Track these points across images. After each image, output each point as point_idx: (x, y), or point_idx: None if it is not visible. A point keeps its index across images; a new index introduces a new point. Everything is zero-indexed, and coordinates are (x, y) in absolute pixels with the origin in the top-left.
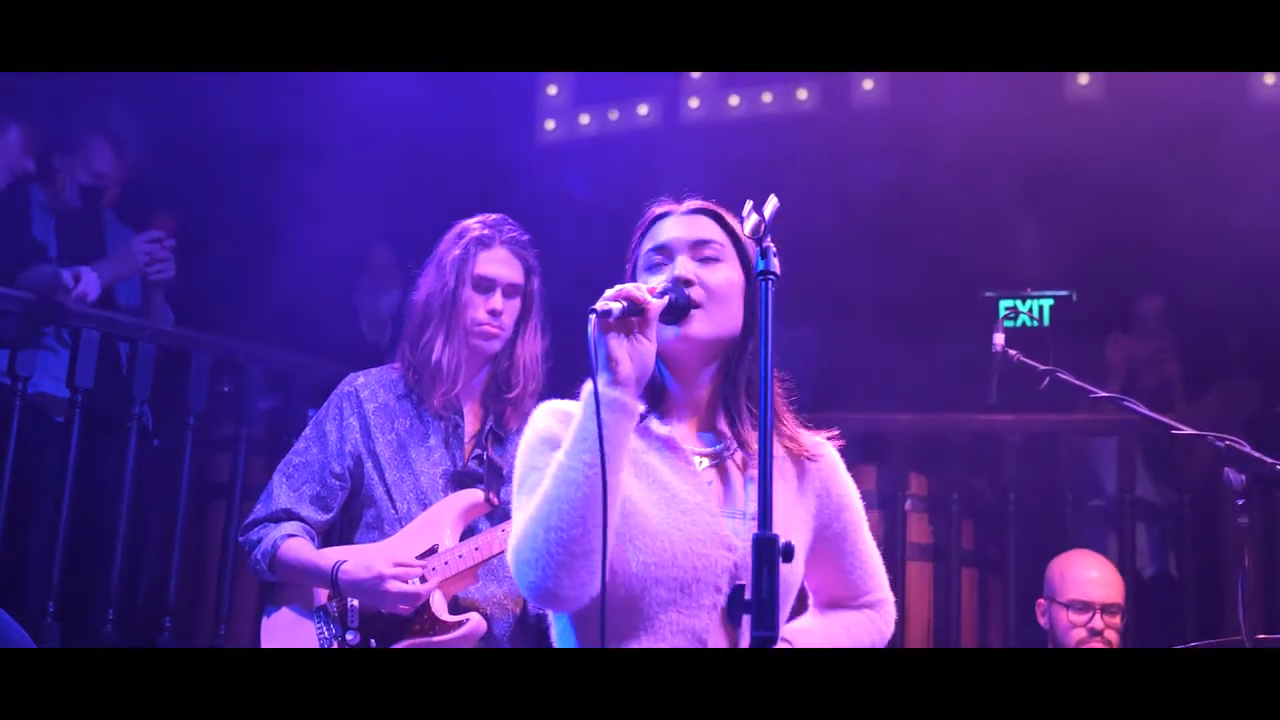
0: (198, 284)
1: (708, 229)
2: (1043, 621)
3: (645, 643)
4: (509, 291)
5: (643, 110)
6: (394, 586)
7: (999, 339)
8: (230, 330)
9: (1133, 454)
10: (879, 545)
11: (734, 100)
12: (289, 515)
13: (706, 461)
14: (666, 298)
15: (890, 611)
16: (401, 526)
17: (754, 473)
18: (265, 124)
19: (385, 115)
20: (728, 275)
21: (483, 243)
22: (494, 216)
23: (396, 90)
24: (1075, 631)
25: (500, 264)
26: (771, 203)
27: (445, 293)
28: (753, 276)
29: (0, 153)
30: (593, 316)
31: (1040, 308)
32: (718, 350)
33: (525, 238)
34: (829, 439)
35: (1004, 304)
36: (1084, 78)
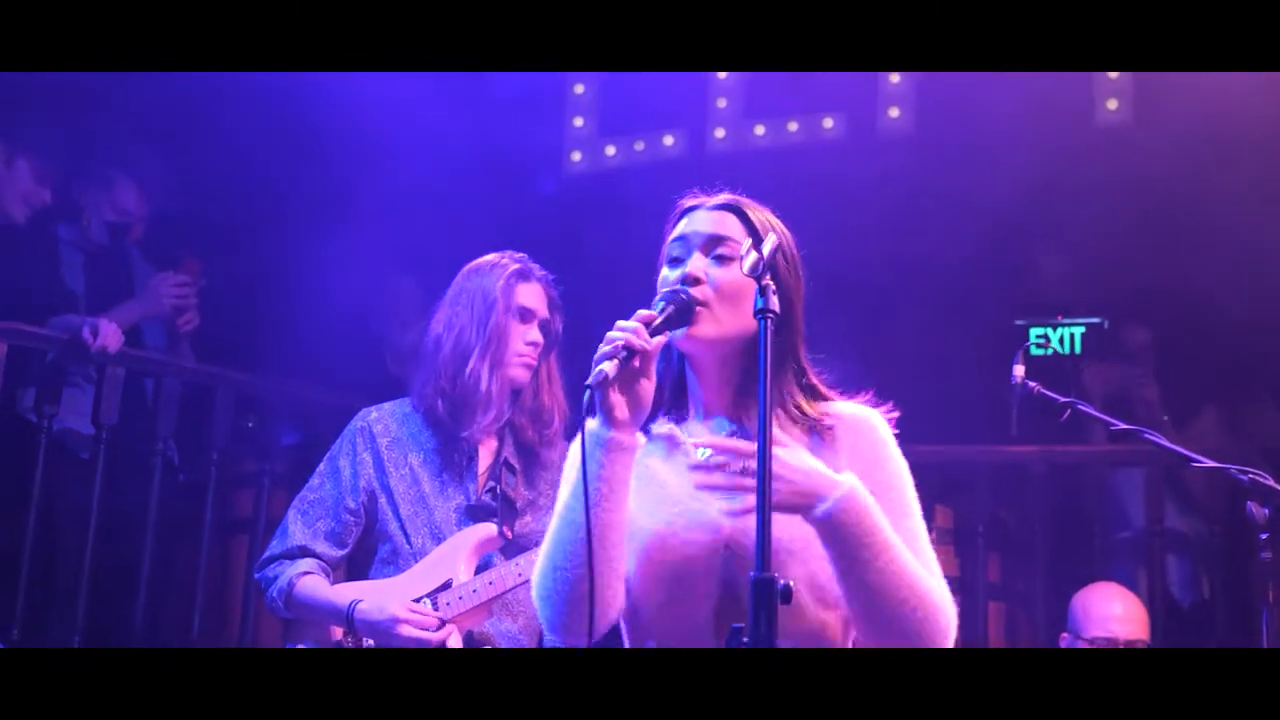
0: (223, 320)
1: (728, 226)
2: None
3: (649, 636)
4: (543, 326)
5: (668, 141)
6: (407, 631)
7: (1019, 370)
8: (254, 366)
9: (1160, 485)
10: None
11: (759, 130)
12: (304, 552)
13: (708, 450)
14: (664, 332)
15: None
16: (416, 561)
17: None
18: (289, 159)
19: (409, 149)
20: (739, 274)
21: (523, 275)
22: (519, 255)
23: (421, 124)
24: None
25: (537, 298)
26: (770, 241)
27: (491, 323)
28: (776, 274)
29: (9, 184)
30: (588, 392)
31: (1071, 335)
32: (733, 349)
33: (553, 278)
34: (873, 406)
35: (1034, 332)
36: (1113, 102)
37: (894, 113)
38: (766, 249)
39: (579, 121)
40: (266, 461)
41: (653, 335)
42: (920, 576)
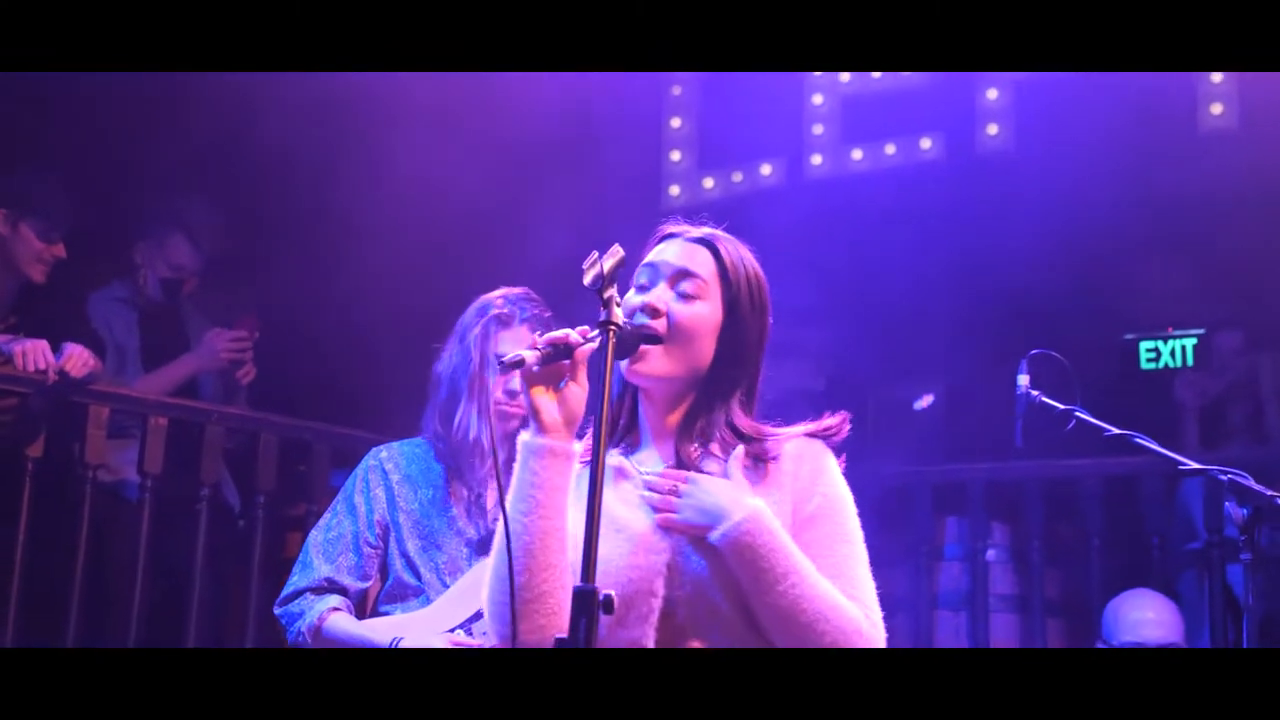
0: (271, 366)
1: (698, 261)
2: None
3: None
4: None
5: (766, 170)
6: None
7: (1024, 380)
8: (299, 411)
9: (1218, 494)
10: (963, 597)
11: (857, 154)
12: (331, 585)
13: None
14: (599, 338)
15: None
16: (421, 595)
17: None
18: (349, 197)
19: (500, 193)
20: (699, 311)
21: (502, 321)
22: (517, 291)
23: (514, 165)
24: None
25: (518, 342)
26: (615, 254)
27: (470, 371)
28: (739, 313)
29: (20, 248)
30: (498, 369)
31: (1183, 348)
32: (682, 385)
33: (547, 314)
34: (818, 432)
35: (1144, 345)
36: (1217, 107)
37: (992, 130)
38: (609, 264)
39: (676, 156)
40: (314, 503)
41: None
42: (831, 600)
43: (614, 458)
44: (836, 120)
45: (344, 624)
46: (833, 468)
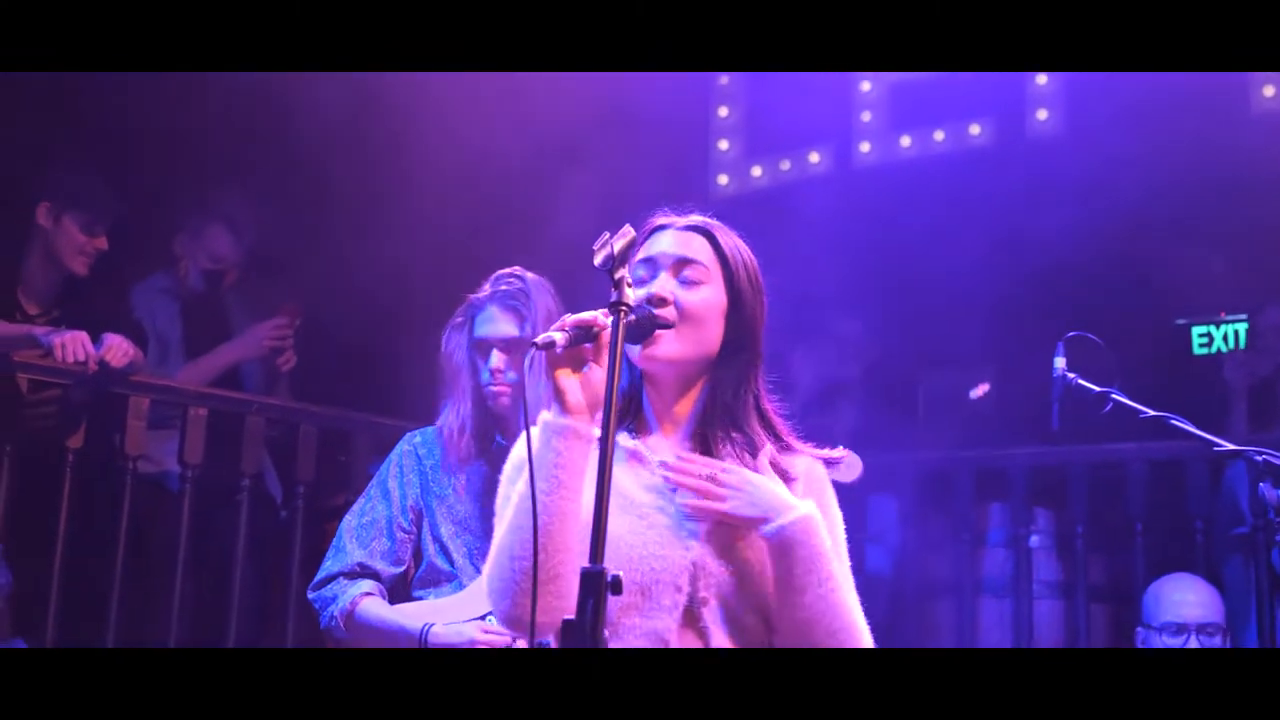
0: (313, 356)
1: (696, 248)
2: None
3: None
4: (505, 347)
5: (814, 158)
6: (497, 640)
7: (1060, 363)
8: (341, 401)
9: (1262, 477)
10: (1006, 584)
11: (905, 141)
12: (364, 570)
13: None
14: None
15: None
16: (454, 581)
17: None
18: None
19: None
20: (706, 297)
21: (476, 306)
22: (500, 272)
23: (559, 150)
24: None
25: (493, 322)
26: (626, 235)
27: (457, 361)
28: (742, 297)
29: (63, 241)
30: (531, 350)
31: (1236, 332)
32: (694, 370)
33: (518, 287)
34: (829, 459)
35: (1196, 330)
36: (1269, 89)
37: (1042, 115)
38: (619, 245)
39: (724, 144)
40: (354, 493)
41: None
42: (858, 615)
43: (626, 440)
44: (885, 107)
45: (376, 609)
46: (833, 495)
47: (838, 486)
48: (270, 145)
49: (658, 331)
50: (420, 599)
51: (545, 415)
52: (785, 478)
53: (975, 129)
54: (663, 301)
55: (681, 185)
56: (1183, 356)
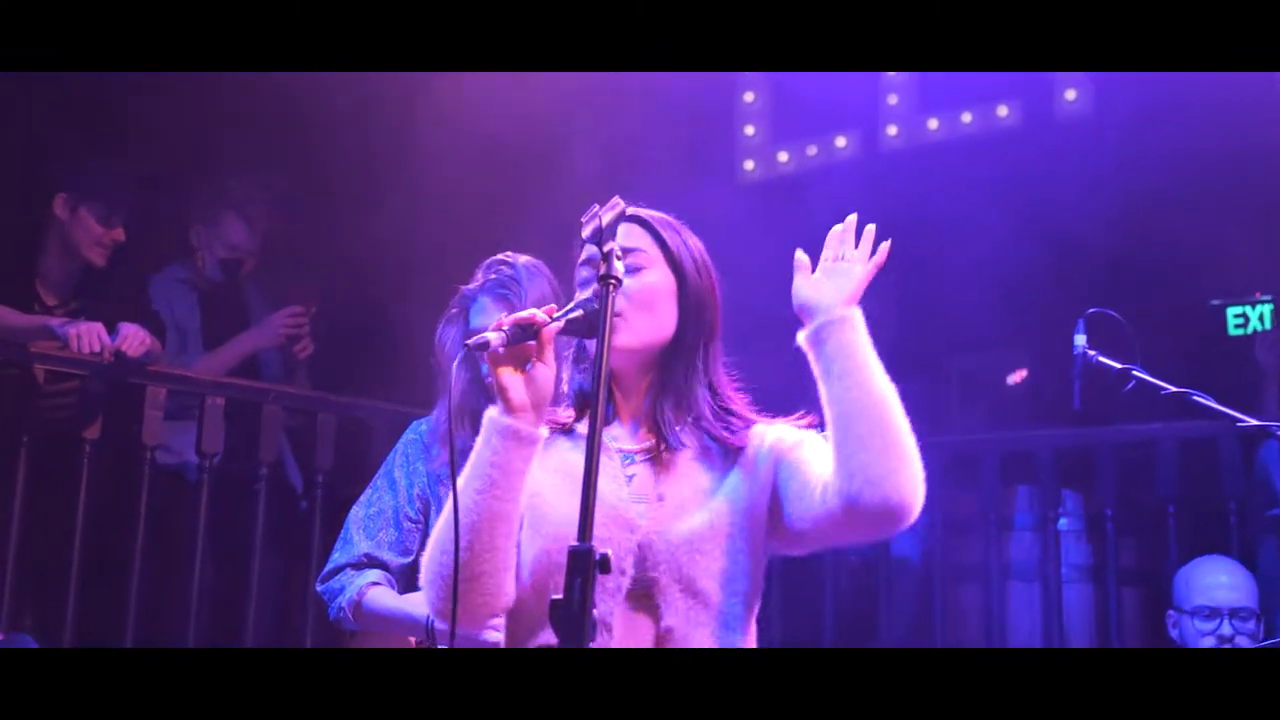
0: (332, 344)
1: (632, 237)
2: (1174, 634)
3: (549, 631)
4: None
5: (841, 142)
6: (491, 636)
7: (1080, 340)
8: (363, 390)
9: None
10: (1035, 568)
11: (933, 123)
12: (371, 560)
13: (636, 459)
14: (565, 316)
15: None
16: None
17: (678, 465)
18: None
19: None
20: (651, 281)
21: (469, 298)
22: (491, 259)
23: (583, 137)
24: (1205, 641)
25: (486, 314)
26: (615, 207)
27: (452, 355)
28: (687, 279)
29: (80, 232)
30: (462, 352)
31: (1264, 313)
32: (652, 356)
33: (508, 274)
34: (790, 420)
35: (1232, 311)
36: None
37: (1071, 95)
38: (607, 217)
39: (750, 130)
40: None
41: (561, 329)
42: (900, 412)
43: (585, 428)
44: (912, 90)
45: (384, 598)
46: (811, 443)
47: None
48: (286, 132)
49: (613, 321)
50: None
51: (491, 411)
52: (732, 450)
53: (1003, 110)
54: None
55: (707, 170)
56: (1218, 338)
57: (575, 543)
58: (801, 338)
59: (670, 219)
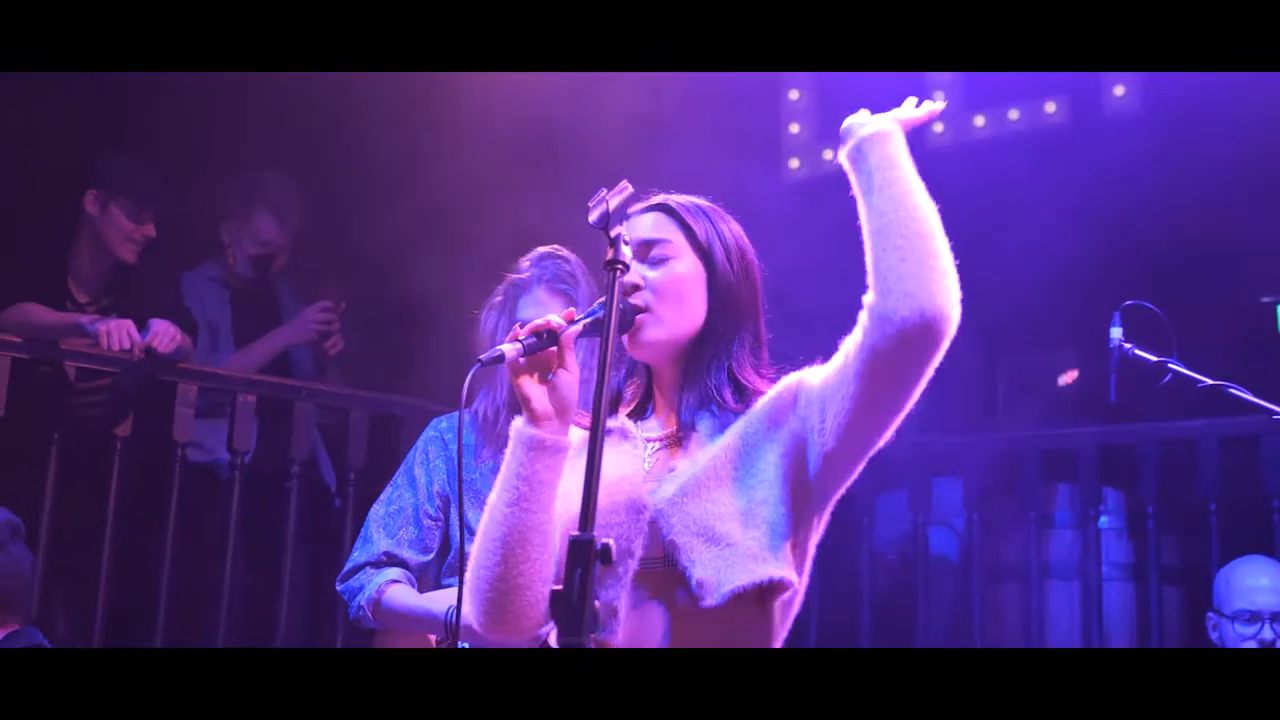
0: (367, 341)
1: (658, 227)
2: (1214, 637)
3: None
4: None
5: None
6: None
7: (1116, 333)
8: (390, 387)
9: None
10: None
11: (979, 121)
12: (390, 559)
13: (656, 445)
14: (583, 321)
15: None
16: None
17: (692, 442)
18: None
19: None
20: (679, 272)
21: (521, 287)
22: (542, 251)
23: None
24: (1245, 645)
25: (539, 305)
26: (623, 191)
27: (498, 336)
28: (717, 268)
29: (111, 228)
30: (475, 367)
31: None
32: (682, 347)
33: (566, 270)
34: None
35: None
36: None
37: (1119, 91)
38: (614, 201)
39: (795, 128)
40: None
41: (581, 332)
42: (940, 228)
43: (615, 421)
44: (958, 87)
45: (403, 596)
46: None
47: None
48: (315, 127)
49: (638, 319)
50: (450, 586)
51: (516, 422)
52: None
53: (1050, 107)
54: (634, 288)
55: (752, 168)
56: (1269, 336)
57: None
58: (842, 155)
59: (704, 204)
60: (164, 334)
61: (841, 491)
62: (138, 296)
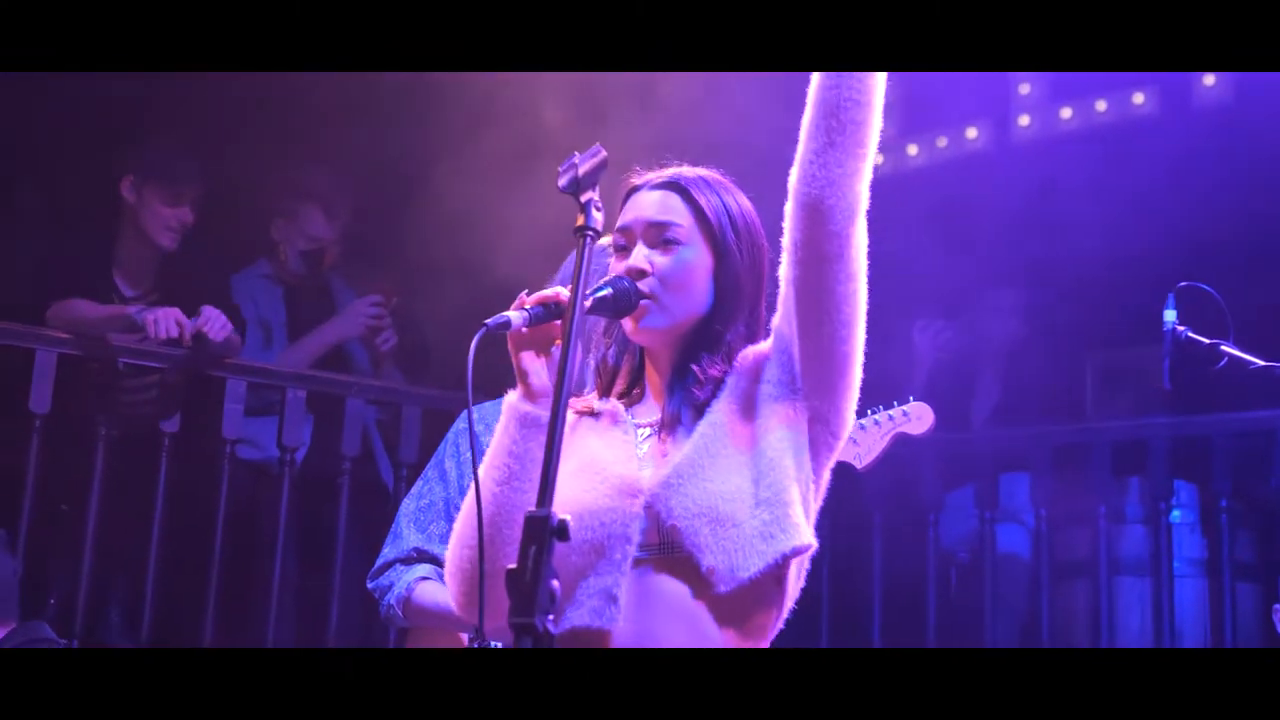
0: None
1: (670, 208)
2: None
3: (565, 611)
4: None
5: (972, 134)
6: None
7: (1170, 316)
8: (444, 381)
9: None
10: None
11: (1066, 113)
12: (421, 555)
13: (649, 429)
14: (592, 296)
15: None
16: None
17: (687, 433)
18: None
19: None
20: (686, 259)
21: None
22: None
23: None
24: None
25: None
26: (596, 155)
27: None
28: (726, 254)
29: (148, 215)
30: (481, 331)
31: None
32: (682, 332)
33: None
34: None
35: None
36: None
37: (1209, 80)
38: (584, 167)
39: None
40: None
41: (589, 309)
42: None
43: (607, 404)
44: (1045, 78)
45: (434, 593)
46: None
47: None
48: (359, 124)
49: (642, 304)
50: None
51: (509, 397)
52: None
53: (1139, 98)
54: (641, 273)
55: None
56: None
57: (582, 528)
58: None
59: (717, 177)
60: (215, 319)
61: (842, 440)
62: (184, 293)
